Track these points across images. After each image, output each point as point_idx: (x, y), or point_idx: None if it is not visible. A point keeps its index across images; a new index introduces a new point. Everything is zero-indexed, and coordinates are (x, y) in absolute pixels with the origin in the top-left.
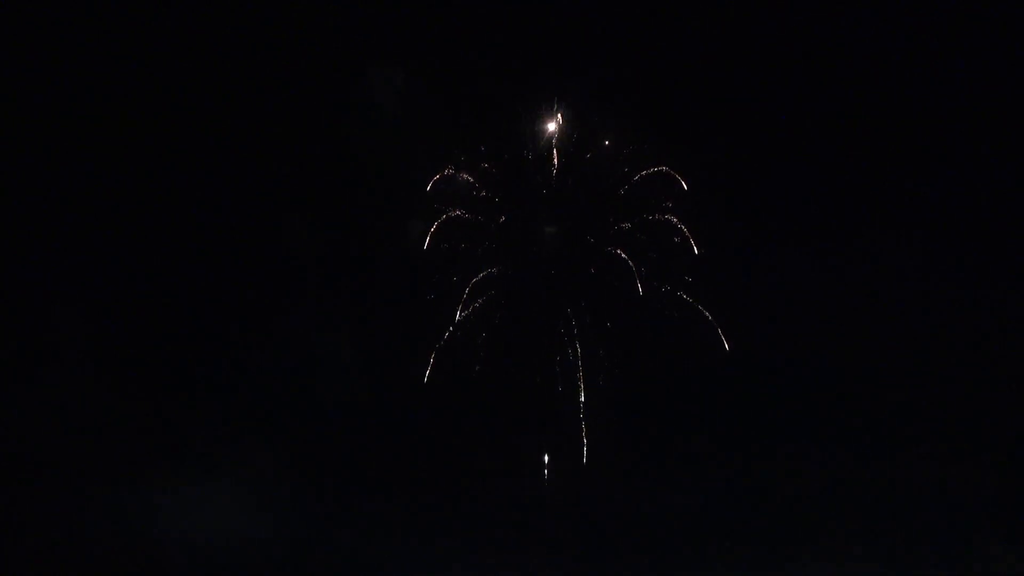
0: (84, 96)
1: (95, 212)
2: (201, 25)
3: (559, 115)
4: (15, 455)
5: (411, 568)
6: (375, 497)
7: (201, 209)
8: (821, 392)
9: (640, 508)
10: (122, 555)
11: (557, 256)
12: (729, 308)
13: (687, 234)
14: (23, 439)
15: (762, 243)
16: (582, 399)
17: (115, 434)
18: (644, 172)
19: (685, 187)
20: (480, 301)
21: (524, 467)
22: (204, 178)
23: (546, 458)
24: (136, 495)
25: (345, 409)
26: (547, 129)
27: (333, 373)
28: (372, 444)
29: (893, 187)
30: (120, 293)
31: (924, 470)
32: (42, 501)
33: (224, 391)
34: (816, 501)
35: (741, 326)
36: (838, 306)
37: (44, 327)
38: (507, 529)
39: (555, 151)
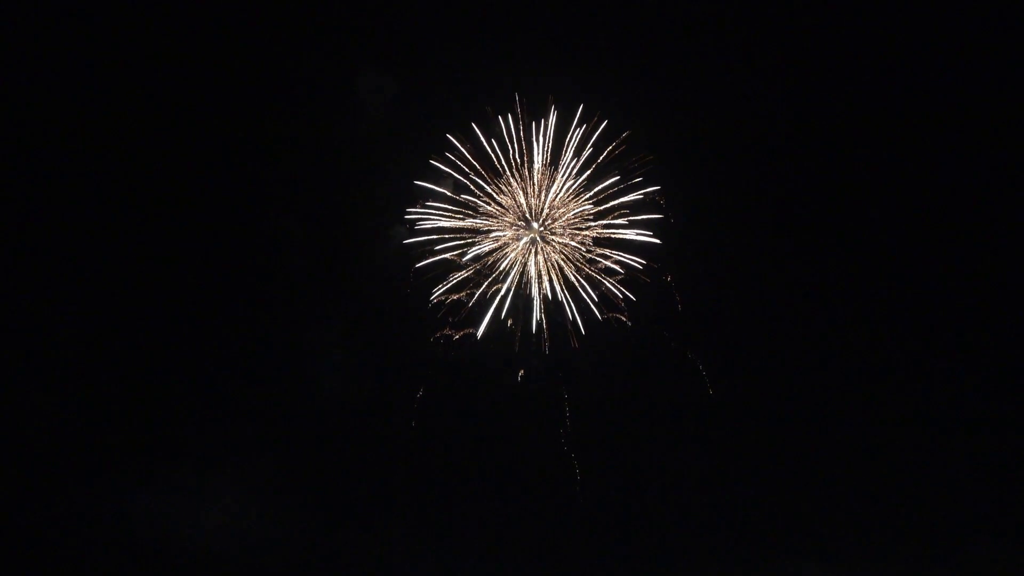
0: (80, 99)
1: (90, 212)
2: (192, 29)
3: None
4: (15, 455)
5: (410, 570)
6: (375, 499)
7: (199, 210)
8: (819, 391)
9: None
10: (122, 555)
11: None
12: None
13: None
14: (23, 439)
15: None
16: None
17: (116, 435)
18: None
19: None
20: (458, 338)
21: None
22: (201, 178)
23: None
24: (136, 495)
25: (346, 411)
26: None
27: (334, 375)
28: (372, 445)
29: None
30: (120, 294)
31: (923, 470)
32: (42, 501)
33: (225, 391)
34: (816, 502)
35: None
36: (832, 304)
37: (43, 328)
38: (505, 541)
39: (541, 169)
